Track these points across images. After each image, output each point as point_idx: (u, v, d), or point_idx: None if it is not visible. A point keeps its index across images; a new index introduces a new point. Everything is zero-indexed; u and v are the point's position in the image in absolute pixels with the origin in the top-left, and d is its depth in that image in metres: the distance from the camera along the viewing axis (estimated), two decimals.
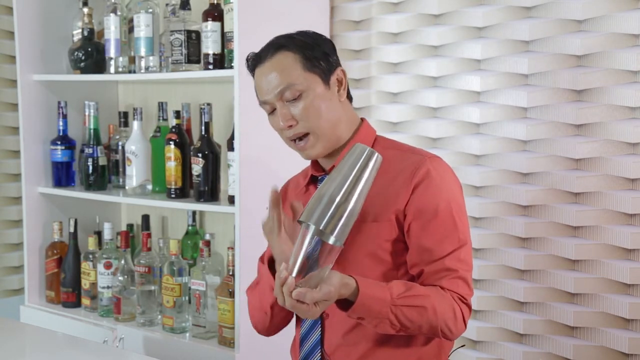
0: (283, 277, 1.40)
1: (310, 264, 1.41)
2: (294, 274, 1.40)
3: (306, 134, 1.62)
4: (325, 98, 1.61)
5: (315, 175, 1.73)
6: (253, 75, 1.67)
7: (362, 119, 1.72)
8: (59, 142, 2.82)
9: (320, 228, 1.38)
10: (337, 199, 1.38)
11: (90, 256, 2.72)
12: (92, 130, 2.76)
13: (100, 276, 2.66)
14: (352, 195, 1.39)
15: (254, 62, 1.66)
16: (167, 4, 2.57)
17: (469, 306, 1.60)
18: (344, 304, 1.48)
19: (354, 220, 1.40)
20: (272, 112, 1.64)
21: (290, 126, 1.61)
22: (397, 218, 1.59)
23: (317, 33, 1.68)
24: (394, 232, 1.59)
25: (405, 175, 1.60)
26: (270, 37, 1.69)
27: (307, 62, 1.60)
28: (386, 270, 1.60)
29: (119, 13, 2.68)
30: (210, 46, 2.39)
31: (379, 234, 1.59)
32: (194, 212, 2.69)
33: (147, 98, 2.96)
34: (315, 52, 1.61)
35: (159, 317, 2.57)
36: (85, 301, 2.76)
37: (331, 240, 1.39)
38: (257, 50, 1.68)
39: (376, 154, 1.42)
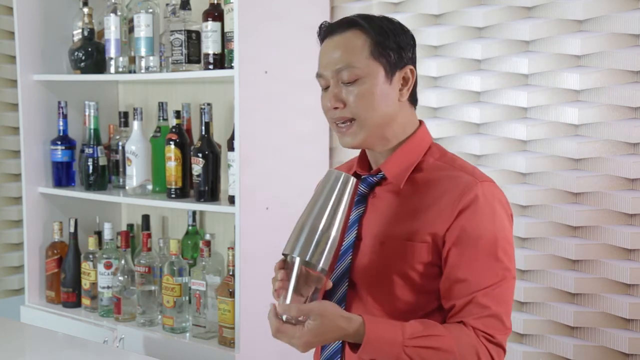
0: (272, 308, 1.41)
1: (300, 294, 1.44)
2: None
3: (351, 120, 1.51)
4: (383, 91, 1.50)
5: (359, 174, 1.61)
6: (321, 44, 1.56)
7: (421, 122, 1.61)
8: (59, 142, 2.82)
9: (307, 259, 1.39)
10: (320, 229, 1.39)
11: (91, 256, 2.72)
12: (92, 130, 2.76)
13: (100, 276, 2.66)
14: (334, 223, 1.40)
15: (325, 32, 1.55)
16: (167, 4, 2.57)
17: (499, 346, 1.47)
18: (355, 345, 1.43)
19: (336, 246, 1.41)
20: (325, 88, 1.54)
21: (336, 108, 1.51)
22: (435, 241, 1.48)
23: (401, 24, 1.56)
24: (429, 255, 1.49)
25: (451, 196, 1.48)
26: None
27: (375, 49, 1.49)
28: (417, 293, 1.51)
29: (119, 13, 2.68)
30: (210, 46, 2.39)
31: (412, 254, 1.49)
32: (194, 212, 2.69)
33: (147, 98, 2.96)
34: (389, 41, 1.50)
35: (159, 317, 2.57)
36: (86, 301, 2.75)
37: (318, 269, 1.40)
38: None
39: (351, 179, 1.42)
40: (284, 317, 1.41)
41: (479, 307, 1.45)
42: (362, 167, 1.62)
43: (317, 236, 1.39)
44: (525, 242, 2.22)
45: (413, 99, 1.59)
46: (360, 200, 1.57)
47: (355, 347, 1.43)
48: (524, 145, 2.21)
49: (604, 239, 2.08)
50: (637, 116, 2.02)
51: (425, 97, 2.38)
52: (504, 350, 1.49)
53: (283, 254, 1.43)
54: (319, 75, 1.54)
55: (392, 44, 1.51)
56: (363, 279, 1.54)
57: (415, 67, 1.56)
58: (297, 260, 1.40)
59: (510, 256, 1.50)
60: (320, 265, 1.39)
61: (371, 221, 1.55)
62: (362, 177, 1.59)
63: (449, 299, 1.49)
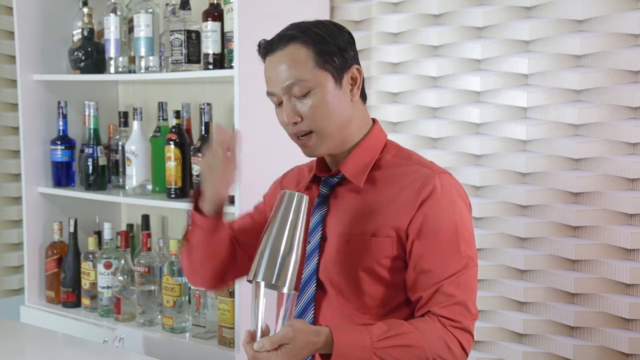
0: (246, 335, 1.41)
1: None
2: (258, 332, 1.42)
3: (310, 132, 1.54)
4: (335, 97, 1.53)
5: (318, 176, 1.65)
6: (264, 61, 1.59)
7: (374, 120, 1.65)
8: (59, 142, 2.82)
9: (272, 283, 1.40)
10: (281, 252, 1.41)
11: (90, 256, 2.72)
12: (92, 130, 2.76)
13: (100, 276, 2.67)
14: (294, 243, 1.42)
15: (266, 50, 1.57)
16: (167, 4, 2.57)
17: (467, 331, 1.51)
18: (327, 356, 1.44)
19: (299, 266, 1.43)
20: (279, 104, 1.56)
21: (295, 123, 1.54)
22: (398, 235, 1.52)
23: (335, 25, 1.59)
24: (393, 249, 1.53)
25: (411, 190, 1.53)
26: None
27: (319, 58, 1.52)
28: (384, 287, 1.55)
29: (119, 13, 2.68)
30: (210, 46, 2.39)
31: (377, 250, 1.53)
32: None
33: (147, 98, 2.96)
34: (329, 46, 1.53)
35: (159, 317, 2.57)
36: (85, 301, 2.76)
37: (285, 291, 1.41)
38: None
39: (305, 198, 1.44)
40: (254, 346, 1.41)
41: (444, 295, 1.49)
42: (321, 169, 1.66)
43: (279, 260, 1.41)
44: (525, 242, 2.22)
45: (362, 96, 1.62)
46: (323, 201, 1.61)
47: (326, 357, 1.44)
48: (524, 145, 2.21)
49: (604, 239, 2.08)
50: (637, 116, 2.02)
51: (425, 97, 2.38)
52: (472, 335, 1.53)
53: (248, 280, 1.44)
54: (270, 94, 1.57)
55: (333, 48, 1.53)
56: (331, 278, 1.57)
57: (359, 64, 1.59)
58: (262, 284, 1.41)
59: (471, 244, 1.55)
60: (286, 288, 1.41)
61: (335, 221, 1.59)
62: (323, 178, 1.63)
63: (415, 291, 1.53)
